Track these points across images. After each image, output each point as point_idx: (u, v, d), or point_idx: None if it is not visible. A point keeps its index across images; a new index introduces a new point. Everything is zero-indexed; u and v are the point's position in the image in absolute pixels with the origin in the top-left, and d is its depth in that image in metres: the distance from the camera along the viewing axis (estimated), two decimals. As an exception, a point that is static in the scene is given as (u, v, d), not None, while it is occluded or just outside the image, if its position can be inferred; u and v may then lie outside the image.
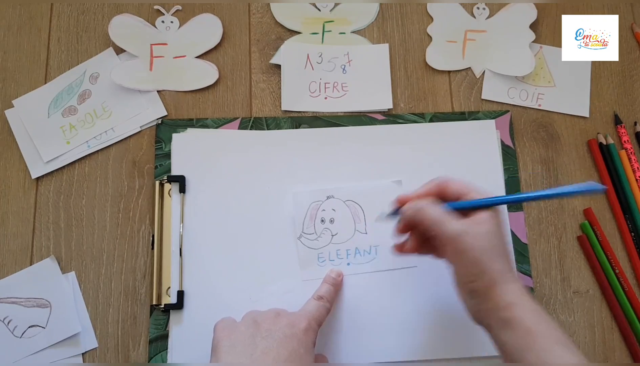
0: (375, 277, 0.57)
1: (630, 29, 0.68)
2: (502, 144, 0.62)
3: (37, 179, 0.60)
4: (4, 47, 0.64)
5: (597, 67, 0.66)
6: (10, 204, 0.59)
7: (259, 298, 0.56)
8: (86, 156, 0.60)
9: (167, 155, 0.60)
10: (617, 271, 0.59)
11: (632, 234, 0.60)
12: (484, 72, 0.65)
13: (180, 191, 0.58)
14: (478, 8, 0.67)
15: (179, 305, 0.55)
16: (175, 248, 0.57)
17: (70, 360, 0.54)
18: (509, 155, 0.62)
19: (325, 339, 0.54)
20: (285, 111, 0.63)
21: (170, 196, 0.58)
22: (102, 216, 0.59)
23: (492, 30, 0.66)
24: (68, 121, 0.61)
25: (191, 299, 0.56)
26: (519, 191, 0.61)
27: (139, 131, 0.61)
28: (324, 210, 0.58)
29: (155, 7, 0.65)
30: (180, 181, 0.58)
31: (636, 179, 0.61)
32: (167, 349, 0.55)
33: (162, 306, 0.55)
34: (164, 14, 0.65)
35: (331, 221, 0.58)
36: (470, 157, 0.61)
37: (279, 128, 0.61)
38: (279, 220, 0.58)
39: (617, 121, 0.64)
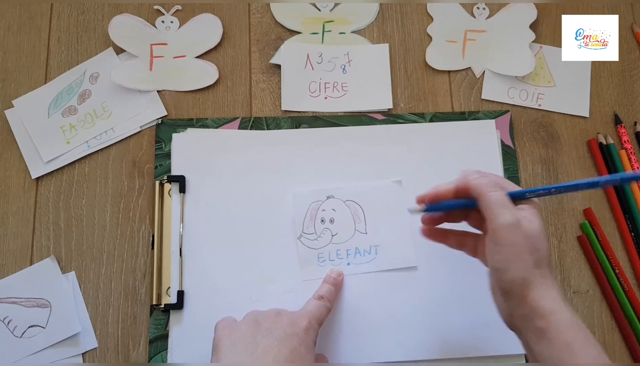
0: (375, 277, 0.57)
1: (630, 29, 0.68)
2: (502, 144, 0.62)
3: (37, 179, 0.60)
4: (4, 47, 0.64)
5: (597, 67, 0.66)
6: (10, 204, 0.59)
7: (259, 298, 0.56)
8: (86, 156, 0.60)
9: (167, 155, 0.60)
10: (617, 271, 0.59)
11: (632, 234, 0.60)
12: (484, 72, 0.65)
13: (180, 191, 0.58)
14: (478, 8, 0.67)
15: (179, 304, 0.55)
16: (175, 248, 0.57)
17: (70, 360, 0.54)
18: (509, 155, 0.62)
19: (325, 339, 0.54)
20: (285, 111, 0.63)
21: (170, 196, 0.58)
22: (102, 216, 0.59)
23: (492, 30, 0.66)
24: (68, 121, 0.61)
25: (191, 299, 0.56)
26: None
27: (139, 131, 0.61)
28: (324, 210, 0.58)
29: (155, 7, 0.65)
30: (180, 181, 0.58)
31: (636, 179, 0.61)
32: (167, 349, 0.55)
33: (162, 306, 0.55)
34: (164, 14, 0.65)
35: (331, 221, 0.58)
36: (470, 157, 0.61)
37: (279, 128, 0.61)
38: (279, 220, 0.58)
39: (617, 121, 0.64)
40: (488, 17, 0.67)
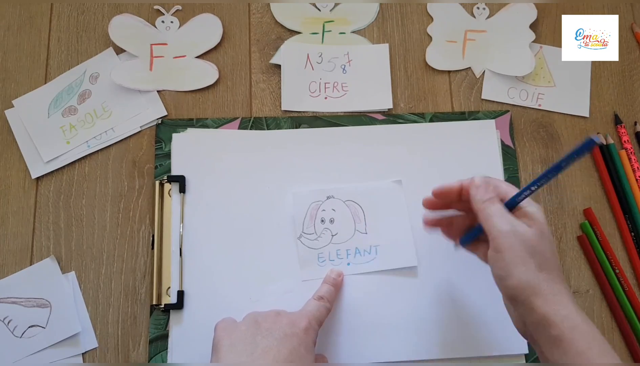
0: (375, 277, 0.57)
1: (630, 29, 0.68)
2: (502, 144, 0.62)
3: (37, 179, 0.60)
4: (4, 47, 0.64)
5: (597, 67, 0.66)
6: (10, 204, 0.59)
7: (259, 298, 0.56)
8: (86, 156, 0.60)
9: (167, 155, 0.60)
10: (617, 271, 0.59)
11: (632, 234, 0.60)
12: (484, 72, 0.65)
13: (180, 191, 0.58)
14: (478, 8, 0.67)
15: (179, 304, 0.55)
16: (175, 248, 0.57)
17: (70, 360, 0.54)
18: (509, 155, 0.62)
19: (325, 339, 0.54)
20: (285, 111, 0.63)
21: (170, 196, 0.58)
22: (102, 216, 0.59)
23: (492, 30, 0.66)
24: (68, 121, 0.61)
25: (191, 299, 0.56)
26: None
27: (139, 131, 0.61)
28: (324, 210, 0.58)
29: (155, 7, 0.65)
30: (180, 181, 0.58)
31: (636, 179, 0.61)
32: (167, 349, 0.55)
33: (162, 306, 0.55)
34: (164, 14, 0.65)
35: (331, 221, 0.58)
36: (470, 157, 0.61)
37: (279, 128, 0.61)
38: (279, 220, 0.58)
39: (617, 121, 0.64)
40: (488, 17, 0.67)
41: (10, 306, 0.55)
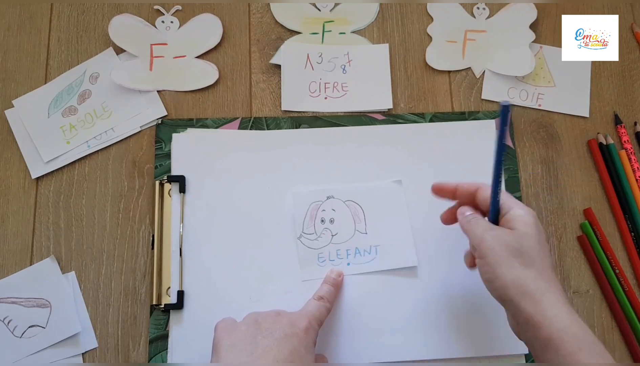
0: (375, 277, 0.57)
1: (630, 29, 0.68)
2: (502, 144, 0.62)
3: (37, 179, 0.60)
4: (4, 47, 0.64)
5: (597, 67, 0.66)
6: (10, 204, 0.59)
7: (259, 298, 0.56)
8: (86, 156, 0.60)
9: (167, 155, 0.60)
10: (617, 271, 0.59)
11: (632, 234, 0.60)
12: (484, 72, 0.65)
13: (180, 191, 0.58)
14: (478, 8, 0.67)
15: (179, 305, 0.55)
16: (175, 248, 0.57)
17: (70, 360, 0.54)
18: (509, 155, 0.62)
19: (325, 339, 0.54)
20: (285, 111, 0.63)
21: (170, 196, 0.58)
22: (102, 216, 0.59)
23: (492, 30, 0.66)
24: (68, 121, 0.61)
25: (191, 299, 0.56)
26: (519, 190, 0.61)
27: (139, 131, 0.61)
28: (324, 210, 0.58)
29: (155, 7, 0.65)
30: (180, 181, 0.58)
31: (636, 179, 0.61)
32: (167, 349, 0.55)
33: (162, 306, 0.55)
34: (164, 14, 0.65)
35: (331, 221, 0.58)
36: (470, 157, 0.61)
37: (279, 128, 0.61)
38: (279, 220, 0.58)
39: (617, 121, 0.64)
40: (488, 17, 0.67)
41: (10, 306, 0.55)
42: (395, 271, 0.57)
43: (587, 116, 0.64)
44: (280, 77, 0.64)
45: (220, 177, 0.59)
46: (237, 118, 0.62)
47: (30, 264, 0.57)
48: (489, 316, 0.55)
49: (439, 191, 0.52)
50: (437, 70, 0.65)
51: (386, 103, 0.63)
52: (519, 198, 0.60)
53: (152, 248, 0.57)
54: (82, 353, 0.55)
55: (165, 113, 0.62)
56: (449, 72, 0.65)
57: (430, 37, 0.66)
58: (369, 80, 0.64)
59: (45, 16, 0.65)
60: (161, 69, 0.63)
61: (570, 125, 0.64)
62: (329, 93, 0.63)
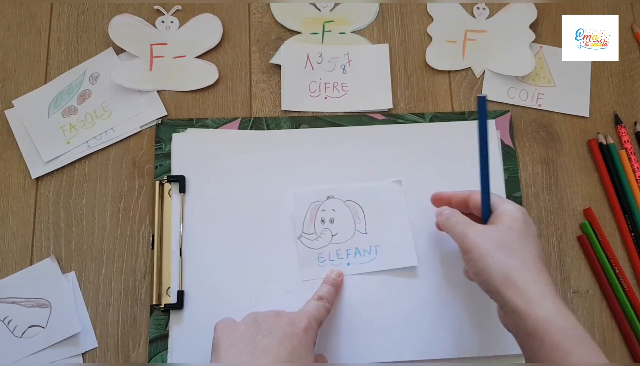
0: (375, 277, 0.57)
1: (630, 29, 0.68)
2: (502, 144, 0.62)
3: (37, 179, 0.60)
4: (4, 47, 0.64)
5: (597, 67, 0.66)
6: (10, 204, 0.59)
7: (259, 298, 0.56)
8: (86, 156, 0.60)
9: (167, 155, 0.60)
10: (617, 271, 0.59)
11: (632, 234, 0.60)
12: (484, 72, 0.65)
13: (180, 191, 0.58)
14: (478, 8, 0.67)
15: (179, 305, 0.55)
16: (175, 248, 0.57)
17: (70, 360, 0.54)
18: (509, 155, 0.62)
19: (325, 339, 0.54)
20: (285, 111, 0.63)
21: (170, 196, 0.58)
22: (102, 216, 0.59)
23: (492, 30, 0.66)
24: (68, 121, 0.61)
25: (191, 299, 0.56)
26: (519, 190, 0.61)
27: (139, 131, 0.61)
28: (324, 210, 0.58)
29: (155, 7, 0.65)
30: (180, 181, 0.58)
31: (636, 179, 0.61)
32: (167, 349, 0.55)
33: (162, 306, 0.55)
34: (164, 14, 0.65)
35: (331, 221, 0.58)
36: (470, 157, 0.60)
37: (279, 128, 0.61)
38: (279, 220, 0.58)
39: (617, 121, 0.64)
40: (488, 17, 0.67)
41: (10, 306, 0.55)
42: (395, 271, 0.57)
43: (587, 116, 0.64)
44: (280, 77, 0.64)
45: (220, 177, 0.59)
46: (237, 118, 0.62)
47: (30, 264, 0.57)
48: (488, 316, 0.55)
49: (436, 201, 0.55)
50: (437, 70, 0.65)
51: (386, 103, 0.63)
52: (519, 198, 0.60)
53: (152, 248, 0.57)
54: (82, 353, 0.55)
55: (165, 113, 0.62)
56: (449, 72, 0.65)
57: (430, 37, 0.66)
58: (369, 80, 0.64)
59: (45, 16, 0.65)
60: (161, 69, 0.63)
61: (570, 125, 0.64)
62: (329, 93, 0.63)
